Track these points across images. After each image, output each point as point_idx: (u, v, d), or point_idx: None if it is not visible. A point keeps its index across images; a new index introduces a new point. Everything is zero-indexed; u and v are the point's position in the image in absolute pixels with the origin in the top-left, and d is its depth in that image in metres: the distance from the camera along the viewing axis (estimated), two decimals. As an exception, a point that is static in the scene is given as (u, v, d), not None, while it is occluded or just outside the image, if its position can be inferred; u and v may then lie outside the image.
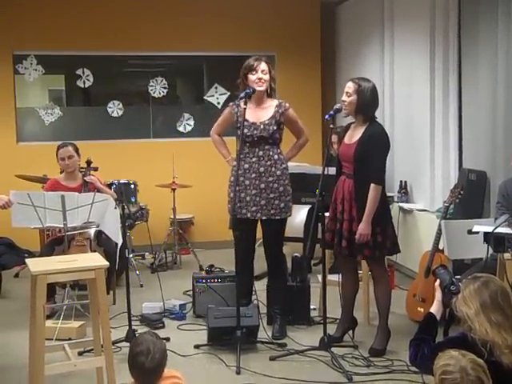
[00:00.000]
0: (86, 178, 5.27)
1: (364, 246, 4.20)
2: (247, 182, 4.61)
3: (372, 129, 4.23)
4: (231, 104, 4.80)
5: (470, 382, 2.13)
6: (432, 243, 4.80)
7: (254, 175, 4.59)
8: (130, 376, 2.79)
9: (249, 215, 4.61)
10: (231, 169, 4.71)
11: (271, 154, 4.61)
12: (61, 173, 5.50)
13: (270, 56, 7.80)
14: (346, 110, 4.27)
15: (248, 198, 4.59)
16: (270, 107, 4.65)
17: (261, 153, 4.60)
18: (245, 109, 4.45)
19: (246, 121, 4.57)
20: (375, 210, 4.15)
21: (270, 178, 4.60)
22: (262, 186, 4.59)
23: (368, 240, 4.17)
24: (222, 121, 4.85)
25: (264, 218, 4.61)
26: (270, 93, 4.67)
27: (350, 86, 4.24)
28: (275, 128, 4.59)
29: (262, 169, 4.59)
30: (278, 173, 4.62)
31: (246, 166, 4.60)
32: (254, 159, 4.60)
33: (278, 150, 4.66)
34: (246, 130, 4.57)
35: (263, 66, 4.59)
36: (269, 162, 4.59)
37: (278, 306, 4.76)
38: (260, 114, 4.62)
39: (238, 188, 4.60)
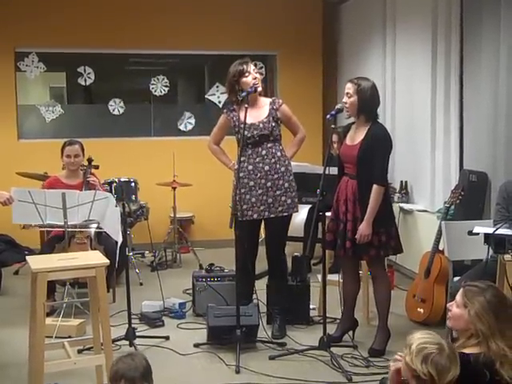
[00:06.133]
0: (89, 179, 5.27)
1: (369, 246, 4.19)
2: (252, 184, 4.59)
3: (375, 130, 4.21)
4: (224, 111, 4.79)
5: (447, 355, 2.29)
6: (432, 244, 4.81)
7: (259, 175, 4.58)
8: None
9: (255, 216, 4.59)
10: (234, 172, 4.66)
11: (274, 151, 4.60)
12: (63, 169, 5.49)
13: (272, 55, 7.88)
14: (348, 111, 4.25)
15: (254, 199, 4.56)
16: (264, 106, 4.66)
17: (264, 152, 4.59)
18: (246, 108, 4.41)
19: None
20: (379, 211, 4.15)
21: (276, 176, 4.59)
22: (269, 184, 4.58)
23: (371, 240, 4.17)
24: (219, 129, 4.83)
25: (272, 215, 4.60)
26: (260, 91, 4.67)
27: (349, 87, 4.23)
28: (274, 124, 4.59)
29: (266, 167, 4.58)
30: (283, 169, 4.61)
31: (250, 167, 4.57)
32: (257, 159, 4.58)
33: (280, 147, 4.65)
34: (246, 132, 4.55)
35: (252, 66, 4.63)
36: (273, 160, 4.59)
37: (278, 306, 4.76)
38: (257, 114, 4.60)
39: (242, 190, 4.59)
